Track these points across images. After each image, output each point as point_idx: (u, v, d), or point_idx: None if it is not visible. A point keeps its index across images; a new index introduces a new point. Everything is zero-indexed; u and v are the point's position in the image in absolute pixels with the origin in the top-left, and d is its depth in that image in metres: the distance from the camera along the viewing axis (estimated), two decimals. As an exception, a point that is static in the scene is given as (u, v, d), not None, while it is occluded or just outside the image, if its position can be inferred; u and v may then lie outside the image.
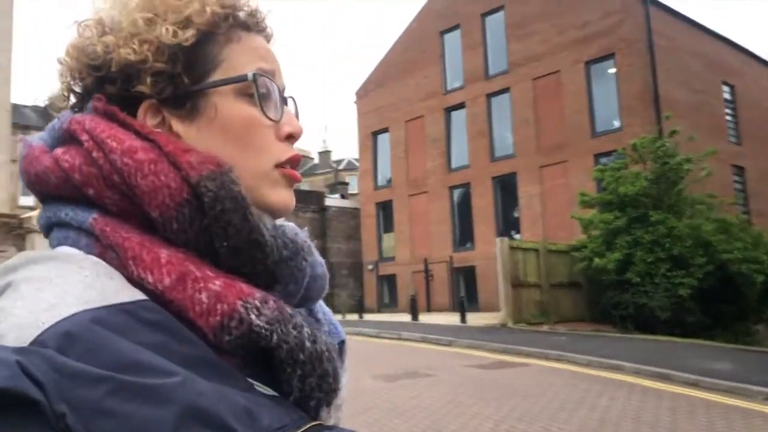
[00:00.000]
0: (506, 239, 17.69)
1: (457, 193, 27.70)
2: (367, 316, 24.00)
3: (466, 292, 26.62)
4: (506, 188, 25.79)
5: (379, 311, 28.05)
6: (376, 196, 30.83)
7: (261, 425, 0.56)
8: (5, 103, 11.55)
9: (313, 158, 67.73)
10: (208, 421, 0.52)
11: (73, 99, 0.73)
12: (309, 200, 32.06)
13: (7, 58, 11.57)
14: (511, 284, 16.66)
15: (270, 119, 0.71)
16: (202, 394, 0.54)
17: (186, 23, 0.69)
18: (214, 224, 0.63)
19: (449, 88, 28.06)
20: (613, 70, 22.69)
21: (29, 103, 55.99)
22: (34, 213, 10.15)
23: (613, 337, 14.43)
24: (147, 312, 0.58)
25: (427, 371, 10.52)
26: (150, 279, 0.61)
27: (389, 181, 30.27)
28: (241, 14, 0.73)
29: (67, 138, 0.68)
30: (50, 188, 0.67)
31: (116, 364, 0.52)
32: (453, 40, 28.03)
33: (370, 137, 31.12)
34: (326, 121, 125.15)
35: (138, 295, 0.60)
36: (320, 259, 0.74)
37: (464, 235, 27.25)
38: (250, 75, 0.69)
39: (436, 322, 19.01)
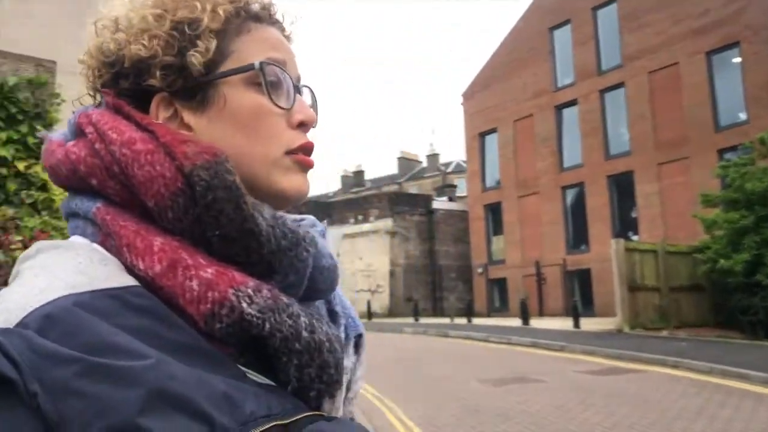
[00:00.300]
0: (621, 240, 16.94)
1: (569, 193, 26.88)
2: (477, 320, 23.73)
3: (580, 296, 25.75)
4: (622, 187, 24.74)
5: (489, 315, 27.68)
6: (484, 197, 30.47)
7: (242, 412, 0.56)
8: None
9: (421, 162, 67.97)
10: (178, 404, 0.53)
11: (98, 97, 0.74)
12: (416, 203, 32.17)
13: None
14: (627, 287, 15.93)
15: (279, 107, 0.71)
16: (174, 378, 0.54)
17: (202, 30, 0.70)
18: (205, 213, 0.63)
19: (560, 85, 27.30)
20: (737, 60, 21.27)
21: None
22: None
23: (739, 344, 13.46)
24: (135, 297, 0.59)
25: (536, 376, 10.23)
26: (141, 266, 0.62)
27: (498, 182, 29.82)
28: (254, 7, 0.74)
29: (78, 131, 0.70)
30: (63, 179, 0.70)
31: (91, 345, 0.53)
32: (563, 35, 27.27)
33: (478, 138, 30.80)
34: (433, 123, 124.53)
35: (128, 281, 0.61)
36: (327, 251, 0.73)
37: (578, 237, 26.39)
38: (257, 64, 0.70)
39: (548, 327, 18.49)
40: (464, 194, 37.04)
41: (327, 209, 34.92)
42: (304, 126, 0.73)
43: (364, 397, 9.11)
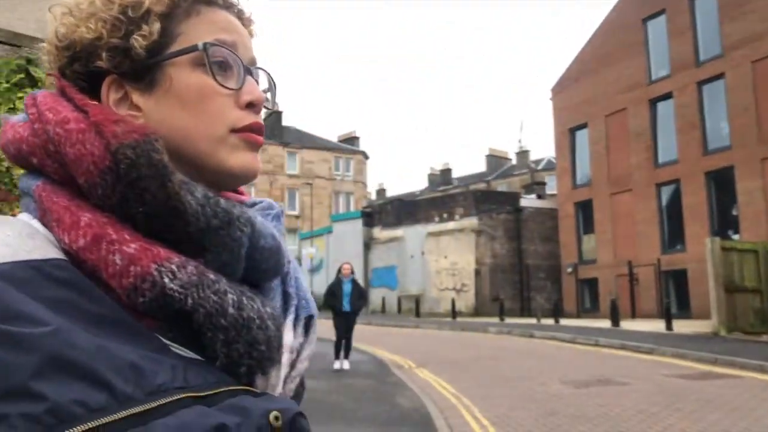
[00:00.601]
0: (717, 239, 16.07)
1: (664, 190, 25.77)
2: (565, 321, 23.15)
3: (676, 297, 24.67)
4: (722, 184, 23.47)
5: (578, 316, 26.94)
6: (574, 195, 29.67)
7: (150, 382, 0.57)
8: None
9: (510, 159, 66.90)
10: (75, 370, 0.54)
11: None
12: (503, 201, 31.71)
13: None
14: (723, 288, 15.11)
15: (224, 87, 0.72)
16: (75, 346, 0.55)
17: (145, 13, 0.71)
18: (130, 190, 0.64)
19: (654, 78, 26.21)
20: None
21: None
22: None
23: None
24: (56, 269, 0.61)
25: (621, 379, 9.88)
26: (66, 239, 0.64)
27: (589, 179, 28.96)
28: None
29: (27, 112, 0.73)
30: (12, 158, 0.73)
31: None
32: (658, 26, 26.16)
33: (568, 134, 30.03)
34: (522, 119, 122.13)
35: (52, 254, 0.63)
36: (269, 232, 0.73)
37: (674, 236, 25.26)
38: (200, 45, 0.71)
39: (638, 329, 17.81)
40: (554, 192, 36.23)
41: (411, 208, 34.99)
42: (252, 106, 0.74)
43: (441, 396, 9.08)
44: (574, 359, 12.54)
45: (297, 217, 55.39)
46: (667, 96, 25.43)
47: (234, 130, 0.72)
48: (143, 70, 0.71)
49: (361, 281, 36.64)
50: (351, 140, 64.83)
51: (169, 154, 0.67)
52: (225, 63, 0.73)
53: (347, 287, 11.85)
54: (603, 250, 27.67)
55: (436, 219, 32.27)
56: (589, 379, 10.04)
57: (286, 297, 0.78)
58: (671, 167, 25.10)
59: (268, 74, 0.81)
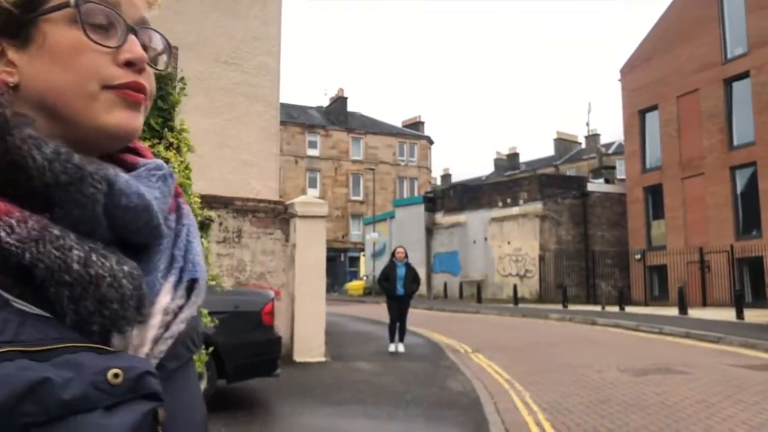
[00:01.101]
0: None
1: (739, 173, 24.67)
2: (632, 309, 22.52)
3: (751, 286, 23.66)
4: (802, 167, 22.30)
5: (646, 304, 26.16)
6: (644, 179, 28.75)
7: None
8: (275, 103, 12.96)
9: (579, 143, 65.29)
10: None
11: None
12: (569, 186, 31.01)
13: (276, 62, 12.97)
14: (800, 276, 14.36)
15: (99, 44, 0.71)
16: None
17: None
18: None
19: (730, 56, 25.05)
20: None
21: (314, 105, 62.43)
22: (297, 200, 11.25)
23: None
24: None
25: (682, 368, 9.53)
26: None
27: (659, 162, 27.98)
28: None
29: None
30: None
31: None
32: (734, 1, 24.93)
33: (637, 116, 29.07)
34: (590, 101, 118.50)
35: None
36: (135, 191, 0.72)
37: (749, 222, 24.17)
38: (72, 1, 0.71)
39: (707, 317, 17.15)
40: (623, 177, 35.21)
41: (474, 192, 34.66)
42: (133, 65, 0.73)
43: (493, 380, 8.99)
44: (635, 347, 12.18)
45: (361, 202, 55.74)
46: (744, 75, 24.27)
47: (108, 87, 0.71)
48: (18, 26, 0.71)
49: (423, 266, 36.80)
50: (415, 125, 64.61)
51: (45, 112, 0.68)
52: (104, 20, 0.72)
53: (401, 271, 11.85)
54: (673, 236, 26.76)
55: (500, 204, 31.86)
56: (648, 367, 9.74)
57: (171, 259, 0.77)
58: (747, 149, 23.98)
59: (163, 37, 0.80)
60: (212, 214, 4.64)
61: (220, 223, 10.40)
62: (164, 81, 4.53)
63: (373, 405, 7.14)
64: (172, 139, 4.35)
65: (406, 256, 12.20)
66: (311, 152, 56.30)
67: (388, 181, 58.80)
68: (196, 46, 12.08)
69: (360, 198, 56.74)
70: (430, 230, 36.76)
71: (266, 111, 12.56)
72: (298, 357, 10.32)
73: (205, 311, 4.41)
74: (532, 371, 9.70)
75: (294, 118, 57.14)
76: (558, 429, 6.23)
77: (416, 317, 21.17)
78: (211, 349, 5.30)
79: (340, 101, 59.70)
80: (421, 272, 36.70)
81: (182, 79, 4.87)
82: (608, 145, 58.63)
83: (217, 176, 11.98)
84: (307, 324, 10.45)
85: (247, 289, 7.84)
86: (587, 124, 75.04)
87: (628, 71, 29.87)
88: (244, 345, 6.68)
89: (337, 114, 59.49)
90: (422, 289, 36.55)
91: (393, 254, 12.24)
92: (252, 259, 10.55)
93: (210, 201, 10.39)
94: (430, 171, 63.94)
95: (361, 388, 8.18)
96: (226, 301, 6.80)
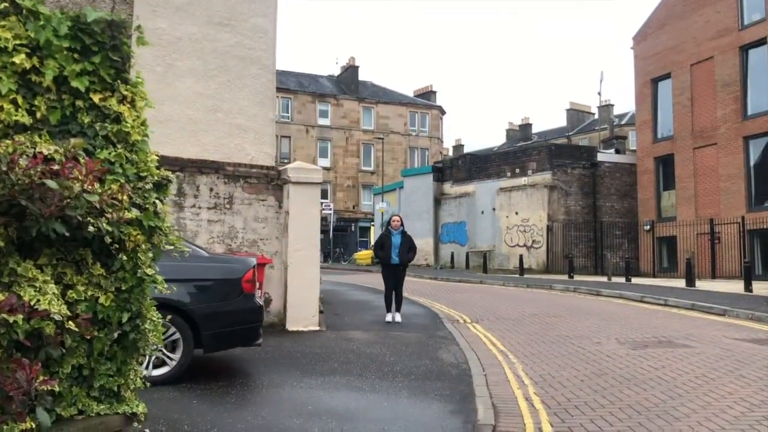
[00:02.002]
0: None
1: (753, 143, 24.06)
2: (638, 280, 22.18)
3: (761, 257, 23.24)
4: (818, 137, 21.68)
5: (654, 275, 25.81)
6: (655, 149, 28.17)
7: None
8: (271, 66, 12.57)
9: (592, 113, 64.38)
10: None
11: None
12: (578, 156, 30.46)
13: (271, 24, 12.56)
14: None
15: None
16: None
17: None
18: None
19: (746, 22, 24.28)
20: None
21: (325, 73, 61.73)
22: (291, 165, 10.94)
23: None
24: None
25: (684, 341, 9.22)
26: None
27: (671, 132, 27.37)
28: None
29: None
30: None
31: None
32: (753, -35, 24.11)
33: (650, 85, 28.38)
34: (603, 70, 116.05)
35: None
36: None
37: (762, 193, 23.65)
38: None
39: (715, 289, 16.79)
40: (635, 148, 34.60)
41: (483, 162, 34.18)
42: None
43: (487, 352, 8.73)
44: (638, 319, 11.88)
45: (372, 172, 55.36)
46: (761, 42, 23.53)
47: None
48: None
49: (430, 237, 36.52)
50: (427, 95, 63.89)
51: None
52: None
53: (396, 239, 11.56)
54: (683, 207, 26.27)
55: (508, 174, 31.40)
56: (649, 339, 9.44)
57: None
58: (762, 119, 23.35)
59: None
60: (170, 174, 4.32)
61: (211, 189, 10.12)
62: (117, 29, 4.20)
63: (358, 376, 6.91)
64: (125, 92, 4.03)
65: (402, 225, 11.90)
66: (322, 121, 55.88)
67: (399, 151, 58.32)
68: (189, 6, 11.69)
69: (371, 168, 56.35)
70: (439, 200, 36.39)
71: (262, 74, 12.19)
72: (291, 326, 10.11)
73: (159, 278, 4.14)
74: (529, 342, 9.43)
75: (305, 87, 56.62)
76: (547, 404, 5.97)
77: (420, 287, 20.96)
78: (168, 317, 5.03)
79: (351, 70, 59.02)
80: (429, 242, 36.48)
81: (139, 27, 4.51)
82: (621, 116, 57.85)
83: (211, 141, 11.69)
84: (301, 293, 10.21)
85: (226, 256, 7.58)
86: (599, 94, 73.74)
87: (641, 39, 29.10)
88: (222, 313, 6.43)
89: (348, 83, 58.86)
90: (429, 259, 36.34)
91: (388, 222, 11.96)
92: (244, 226, 10.29)
93: (200, 166, 10.13)
94: (442, 141, 63.35)
95: (351, 358, 7.95)
96: (203, 268, 6.55)
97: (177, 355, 6.24)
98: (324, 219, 51.24)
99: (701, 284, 18.53)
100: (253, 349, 8.07)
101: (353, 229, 55.07)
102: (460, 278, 24.87)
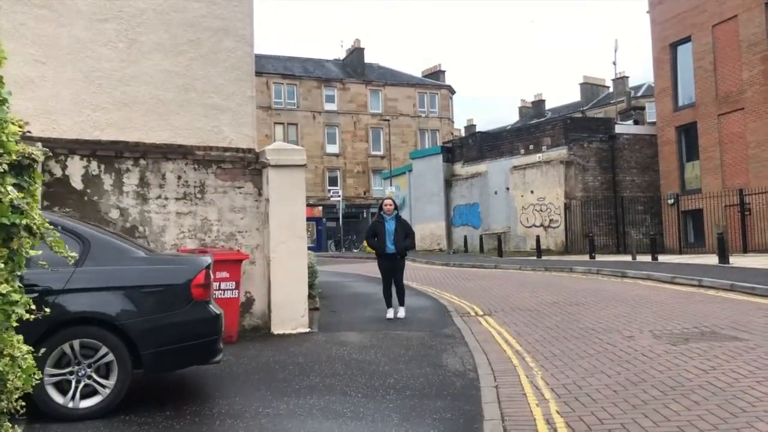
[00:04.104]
0: None
1: (784, 107, 22.43)
2: (664, 258, 20.74)
3: (796, 228, 21.66)
4: None
5: (680, 252, 24.32)
6: (676, 118, 26.58)
7: None
8: (249, 38, 11.27)
9: (607, 87, 62.53)
10: None
11: None
12: (595, 129, 28.89)
13: (247, -9, 11.24)
14: None
15: None
16: None
17: None
18: None
19: (772, -24, 22.55)
20: None
21: (330, 57, 60.29)
22: (270, 146, 9.66)
23: None
24: None
25: (732, 332, 7.87)
26: None
27: (692, 99, 25.75)
28: None
29: None
30: None
31: None
32: None
33: (668, 50, 26.72)
34: (617, 38, 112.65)
35: None
36: None
37: (794, 160, 22.05)
38: None
39: (751, 266, 15.34)
40: (653, 120, 32.97)
41: (495, 140, 32.71)
42: None
43: (500, 354, 7.45)
44: (672, 304, 10.52)
45: (382, 157, 53.97)
46: (789, -4, 21.83)
47: None
48: None
49: (442, 220, 35.14)
50: (436, 74, 62.26)
51: None
52: None
53: (390, 225, 10.28)
54: (709, 177, 24.71)
55: (522, 151, 29.94)
56: (689, 331, 8.10)
57: None
58: (793, 80, 21.70)
59: None
60: (37, 152, 2.98)
61: (179, 177, 8.88)
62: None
63: (342, 395, 5.66)
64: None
65: (396, 209, 10.61)
66: (329, 107, 54.56)
67: (409, 134, 56.88)
68: (152, -27, 10.40)
69: (380, 153, 54.98)
70: (450, 182, 34.99)
71: (238, 47, 10.87)
72: (277, 328, 8.88)
73: (22, 299, 2.91)
74: (549, 339, 8.13)
75: (310, 72, 55.26)
76: (574, 429, 4.68)
77: (430, 274, 19.69)
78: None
79: (356, 53, 57.51)
80: (441, 226, 35.15)
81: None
82: (637, 88, 55.98)
83: (183, 125, 10.41)
84: (287, 290, 8.97)
85: (172, 256, 6.32)
86: (614, 63, 72.10)
87: (657, 2, 27.40)
88: (166, 327, 5.19)
89: (354, 66, 57.40)
90: (442, 243, 35.02)
91: (380, 207, 10.67)
92: (219, 217, 9.04)
93: (165, 151, 8.92)
94: (453, 122, 61.80)
95: (337, 369, 6.71)
96: (139, 272, 5.30)
97: (111, 382, 5.02)
98: (333, 206, 50.13)
99: (735, 260, 17.07)
100: (222, 365, 6.83)
101: (365, 216, 53.81)
102: (473, 263, 23.55)
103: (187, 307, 5.31)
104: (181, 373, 6.22)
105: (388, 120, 53.02)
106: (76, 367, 4.97)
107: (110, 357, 5.02)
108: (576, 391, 5.69)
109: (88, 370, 4.99)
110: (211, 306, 5.50)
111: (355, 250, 45.63)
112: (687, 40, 25.81)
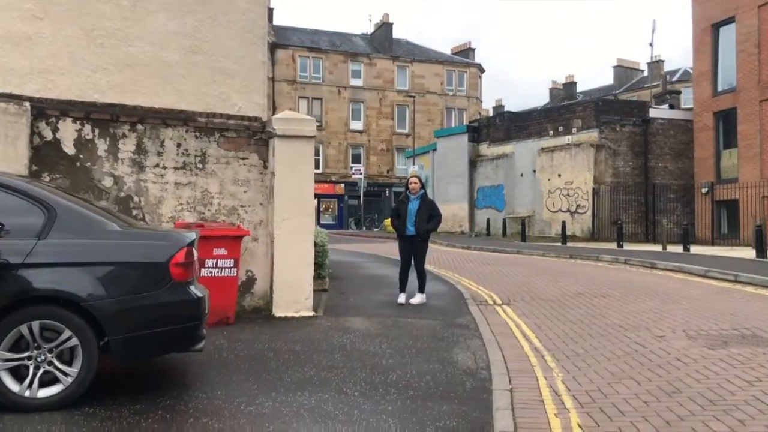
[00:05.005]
0: None
1: (830, 95, 21.22)
2: (698, 249, 19.82)
3: (838, 223, 20.52)
4: None
5: (713, 243, 23.32)
6: (714, 104, 25.41)
7: None
8: (263, 1, 10.60)
9: (641, 70, 60.88)
10: None
11: None
12: (628, 112, 27.79)
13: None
14: None
15: None
16: None
17: None
18: None
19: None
20: None
21: (358, 32, 59.31)
22: (277, 115, 9.02)
23: None
24: None
25: (777, 335, 7.13)
26: None
27: (733, 84, 24.55)
28: None
29: None
30: None
31: None
32: None
33: (710, 31, 25.49)
34: (654, 17, 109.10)
35: None
36: None
37: (839, 151, 20.88)
38: None
39: (793, 261, 14.44)
40: (689, 107, 31.74)
41: (523, 121, 31.73)
42: None
43: (517, 351, 6.78)
44: (707, 300, 9.76)
45: (407, 135, 53.11)
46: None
47: None
48: None
49: (465, 202, 34.32)
50: (465, 52, 61.03)
51: None
52: None
53: (413, 205, 9.61)
54: (747, 166, 23.60)
55: (551, 133, 28.97)
56: (728, 333, 7.36)
57: None
58: (843, 65, 20.47)
59: None
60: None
61: (179, 145, 8.29)
62: None
63: (336, 392, 5.05)
64: None
65: (423, 187, 9.94)
66: (354, 82, 53.80)
67: (435, 112, 55.95)
68: (161, -74, 9.74)
69: (405, 131, 54.14)
70: (474, 162, 34.13)
71: (250, 8, 10.19)
72: (279, 311, 8.30)
73: None
74: (571, 336, 7.45)
75: (336, 46, 54.43)
76: (598, 449, 4.02)
77: (449, 258, 19.02)
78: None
79: (385, 27, 56.47)
80: (464, 208, 34.36)
81: None
82: (672, 72, 54.31)
83: (189, 89, 9.77)
84: (291, 271, 8.36)
85: (151, 231, 5.67)
86: (651, 45, 70.10)
87: (700, -21, 26.12)
88: (139, 309, 4.61)
89: (381, 41, 56.42)
90: (464, 225, 34.25)
91: (406, 185, 10.00)
92: (220, 190, 8.45)
93: (164, 117, 8.33)
94: (481, 102, 60.64)
95: (336, 360, 6.10)
96: (111, 247, 4.71)
97: (74, 369, 4.45)
98: (355, 184, 49.49)
99: (773, 254, 16.14)
100: (212, 350, 6.29)
101: (387, 195, 53.14)
102: (495, 248, 22.81)
103: (164, 288, 4.71)
104: (166, 359, 5.65)
105: (414, 97, 52.03)
106: (36, 352, 4.40)
107: (74, 341, 4.45)
108: (601, 399, 5.01)
109: (49, 355, 4.42)
110: (192, 287, 4.90)
111: (376, 230, 45.08)
112: (730, 20, 24.56)
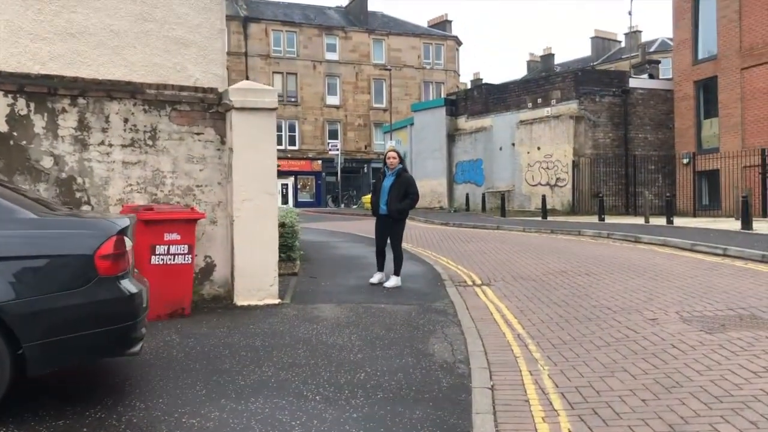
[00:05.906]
0: None
1: (812, 61, 20.82)
2: (680, 221, 19.43)
3: (820, 192, 20.28)
4: None
5: (694, 215, 23.00)
6: (695, 72, 24.94)
7: None
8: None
9: (619, 41, 60.49)
10: None
11: None
12: (608, 82, 27.24)
13: None
14: None
15: None
16: None
17: None
18: None
19: None
20: None
21: (332, 5, 58.05)
22: (235, 86, 8.28)
23: None
24: None
25: (777, 316, 6.63)
26: None
27: (714, 52, 24.06)
28: None
29: None
30: None
31: None
32: None
33: (690, -2, 24.92)
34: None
35: None
36: None
37: (821, 118, 20.53)
38: None
39: (780, 233, 14.05)
40: (668, 77, 31.27)
41: (501, 93, 31.08)
42: None
43: (499, 339, 6.22)
44: (697, 277, 9.27)
45: (384, 110, 52.25)
46: (827, -62, 20.00)
47: None
48: None
49: (444, 177, 33.68)
50: (442, 25, 60.13)
51: None
52: None
53: (387, 182, 8.96)
54: (728, 136, 23.23)
55: (529, 105, 28.38)
56: (724, 313, 6.85)
57: None
58: (826, 31, 20.03)
59: None
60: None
61: (126, 120, 7.53)
62: None
63: (295, 396, 4.44)
64: None
65: (402, 162, 9.26)
66: (330, 56, 52.68)
67: (413, 86, 55.11)
68: None
69: (383, 105, 53.28)
70: (452, 136, 33.48)
71: (205, -29, 9.39)
72: (241, 299, 7.65)
73: None
74: (556, 319, 6.90)
75: (310, 19, 53.21)
76: (595, 464, 3.45)
77: (427, 235, 18.44)
78: None
79: (359, 0, 55.25)
80: (442, 183, 33.76)
81: None
82: (650, 43, 53.93)
83: (140, 60, 8.95)
84: (253, 255, 7.71)
85: (72, 218, 4.93)
86: (630, 13, 69.69)
87: (680, -56, 25.48)
88: (59, 311, 3.94)
89: (356, 14, 55.27)
90: (443, 201, 33.69)
91: (384, 160, 9.32)
92: (173, 168, 7.72)
93: (109, 89, 7.54)
94: (458, 75, 59.88)
95: (299, 357, 5.48)
96: (23, 238, 4.02)
97: (-21, 381, 3.78)
98: (331, 161, 48.66)
99: (759, 226, 15.76)
100: (161, 347, 5.65)
101: (365, 171, 52.42)
102: (474, 223, 22.28)
103: (89, 285, 4.03)
104: (106, 360, 4.99)
105: (391, 71, 51.12)
106: (-67, 364, 3.73)
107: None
108: (593, 398, 4.45)
109: (-50, 366, 3.75)
110: (124, 282, 4.23)
111: (354, 207, 44.40)
112: (711, -14, 24.02)
